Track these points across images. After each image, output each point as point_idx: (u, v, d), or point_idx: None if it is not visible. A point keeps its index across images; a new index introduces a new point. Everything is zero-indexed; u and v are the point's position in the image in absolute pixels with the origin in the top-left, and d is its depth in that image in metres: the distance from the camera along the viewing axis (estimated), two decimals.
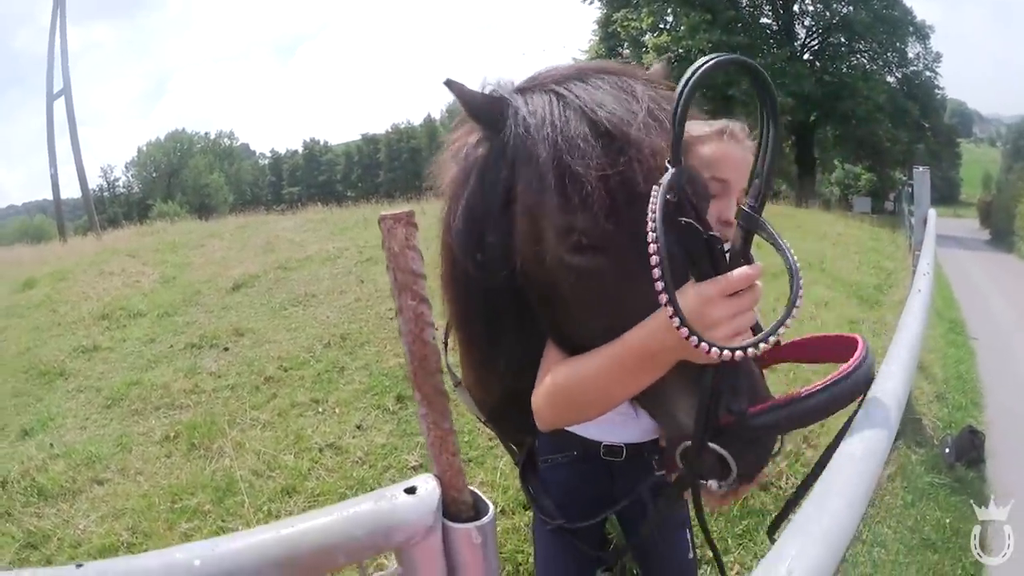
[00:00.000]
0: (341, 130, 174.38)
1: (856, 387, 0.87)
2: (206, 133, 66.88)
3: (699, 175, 0.86)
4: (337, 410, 3.84)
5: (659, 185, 0.74)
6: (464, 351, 1.19)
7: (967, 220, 33.73)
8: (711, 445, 0.80)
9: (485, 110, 0.94)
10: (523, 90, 0.95)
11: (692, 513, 1.25)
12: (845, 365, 0.87)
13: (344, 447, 3.44)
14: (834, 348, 1.00)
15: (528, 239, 0.90)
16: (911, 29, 26.92)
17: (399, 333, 0.57)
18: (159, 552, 0.51)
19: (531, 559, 1.44)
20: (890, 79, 27.22)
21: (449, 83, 0.94)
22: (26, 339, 5.72)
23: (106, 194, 57.90)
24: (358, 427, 3.62)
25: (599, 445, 1.23)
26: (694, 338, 0.70)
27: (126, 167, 62.02)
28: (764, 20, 28.02)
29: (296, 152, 75.02)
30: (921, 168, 3.93)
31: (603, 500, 1.20)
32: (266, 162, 75.82)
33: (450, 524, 0.60)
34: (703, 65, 0.72)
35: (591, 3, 28.58)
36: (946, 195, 50.32)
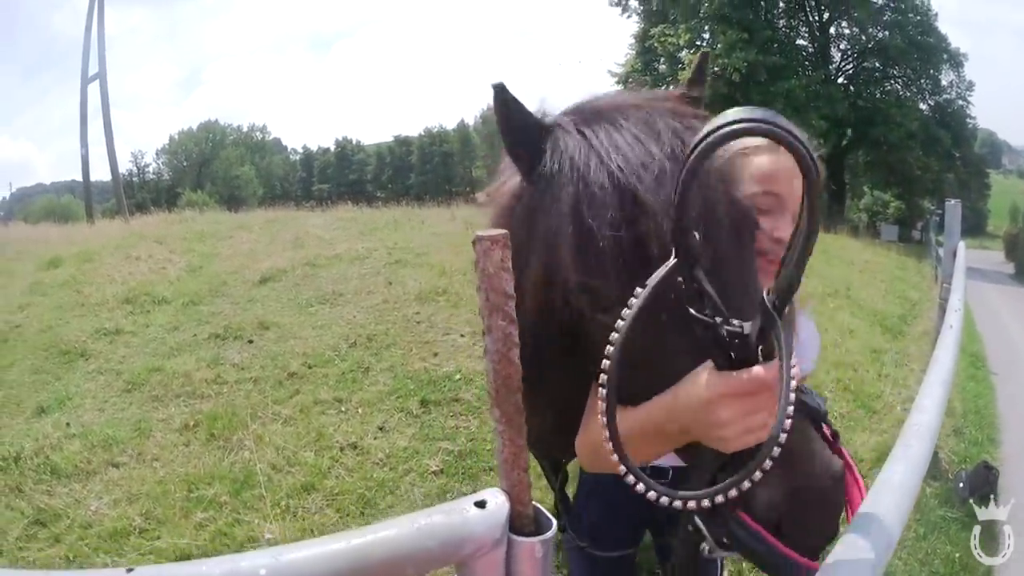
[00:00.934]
0: (374, 130, 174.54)
1: None
2: (239, 126, 68.04)
3: (722, 226, 0.78)
4: (360, 410, 3.83)
5: (644, 286, 0.68)
6: None
7: (993, 252, 33.10)
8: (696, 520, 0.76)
9: (524, 132, 0.86)
10: (561, 123, 0.88)
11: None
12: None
13: (365, 448, 3.44)
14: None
15: (540, 286, 0.87)
16: (945, 56, 26.55)
17: (484, 352, 0.58)
18: (220, 559, 0.51)
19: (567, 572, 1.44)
20: (923, 106, 26.86)
21: (501, 90, 0.83)
22: (48, 317, 5.69)
23: (135, 179, 58.56)
24: (380, 428, 3.62)
25: (645, 467, 1.23)
26: (630, 477, 0.67)
27: (157, 154, 63.13)
28: (800, 42, 27.75)
29: (328, 150, 75.06)
30: (953, 201, 3.87)
31: (642, 521, 1.20)
32: (297, 158, 76.05)
33: (515, 538, 0.61)
34: (716, 130, 0.58)
35: (629, 16, 28.64)
36: (973, 226, 49.55)
